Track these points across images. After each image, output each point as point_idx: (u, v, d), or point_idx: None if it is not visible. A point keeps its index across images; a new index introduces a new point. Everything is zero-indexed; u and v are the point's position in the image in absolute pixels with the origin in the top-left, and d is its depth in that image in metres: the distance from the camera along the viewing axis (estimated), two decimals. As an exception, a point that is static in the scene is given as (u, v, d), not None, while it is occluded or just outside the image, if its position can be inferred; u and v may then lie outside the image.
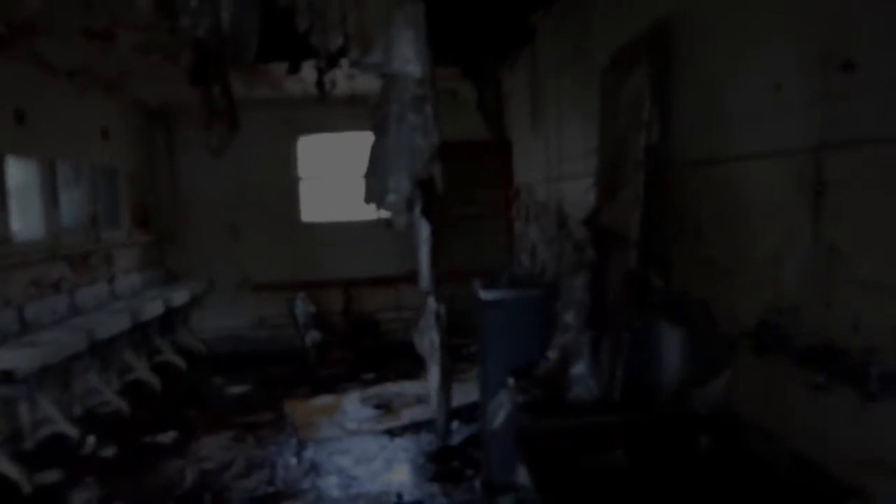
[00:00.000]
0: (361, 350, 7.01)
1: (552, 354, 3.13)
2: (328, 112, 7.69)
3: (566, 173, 4.44)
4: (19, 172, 5.21)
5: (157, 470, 4.51)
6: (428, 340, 3.43)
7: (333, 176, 8.02)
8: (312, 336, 6.55)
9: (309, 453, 4.69)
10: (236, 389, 6.32)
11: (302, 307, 6.65)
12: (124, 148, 7.05)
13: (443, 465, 4.46)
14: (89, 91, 6.22)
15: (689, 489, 1.80)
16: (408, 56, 2.97)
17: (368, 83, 6.57)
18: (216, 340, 7.78)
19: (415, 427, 5.08)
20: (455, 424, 5.02)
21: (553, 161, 4.80)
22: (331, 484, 4.22)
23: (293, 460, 4.57)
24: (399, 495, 4.07)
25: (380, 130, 3.06)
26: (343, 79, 6.17)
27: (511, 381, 3.01)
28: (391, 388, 6.03)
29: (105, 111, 6.62)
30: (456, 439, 4.74)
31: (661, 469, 1.90)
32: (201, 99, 3.65)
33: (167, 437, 5.10)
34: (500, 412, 2.91)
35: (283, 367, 6.90)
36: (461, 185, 7.79)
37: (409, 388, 6.02)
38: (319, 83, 4.70)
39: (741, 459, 1.89)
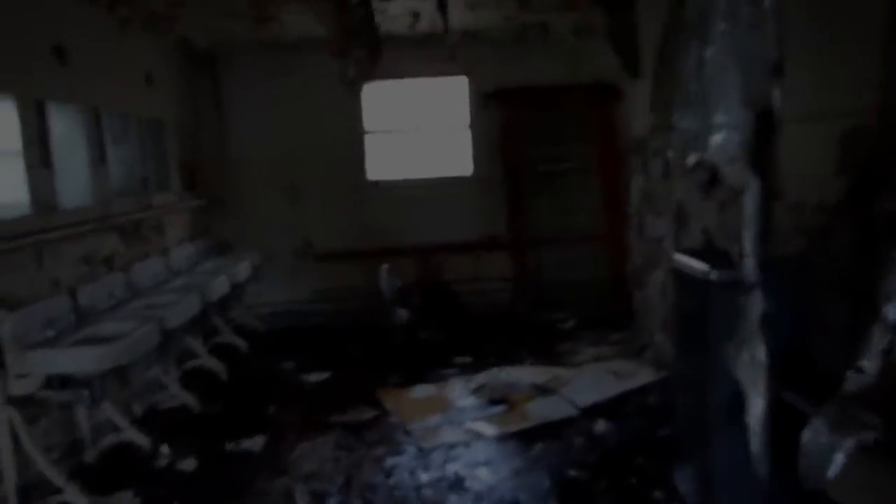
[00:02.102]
0: (449, 328, 6.12)
1: (869, 364, 2.22)
2: (398, 55, 6.67)
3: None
4: (60, 124, 4.24)
5: (254, 490, 3.65)
6: (748, 357, 2.49)
7: (404, 129, 7.01)
8: (400, 314, 5.65)
9: (437, 464, 3.83)
10: (314, 377, 5.44)
11: (388, 280, 5.73)
12: (170, 97, 6.06)
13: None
14: (130, 27, 5.20)
15: None
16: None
17: (464, 16, 5.55)
18: (273, 316, 6.90)
19: (551, 429, 4.20)
20: (602, 424, 4.15)
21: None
22: (482, 511, 3.38)
23: (423, 476, 3.71)
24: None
25: (691, 36, 2.06)
26: (429, 12, 5.14)
27: (833, 407, 2.10)
28: (499, 376, 5.15)
29: (148, 52, 5.61)
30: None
31: None
32: (333, 17, 2.66)
33: (254, 442, 4.24)
34: (833, 457, 2.01)
35: (360, 348, 6.03)
36: (549, 137, 6.81)
37: (518, 375, 5.15)
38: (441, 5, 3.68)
39: None
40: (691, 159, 2.25)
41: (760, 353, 2.37)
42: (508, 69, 6.72)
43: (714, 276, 2.76)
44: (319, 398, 4.99)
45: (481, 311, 6.90)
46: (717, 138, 2.16)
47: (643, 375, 4.84)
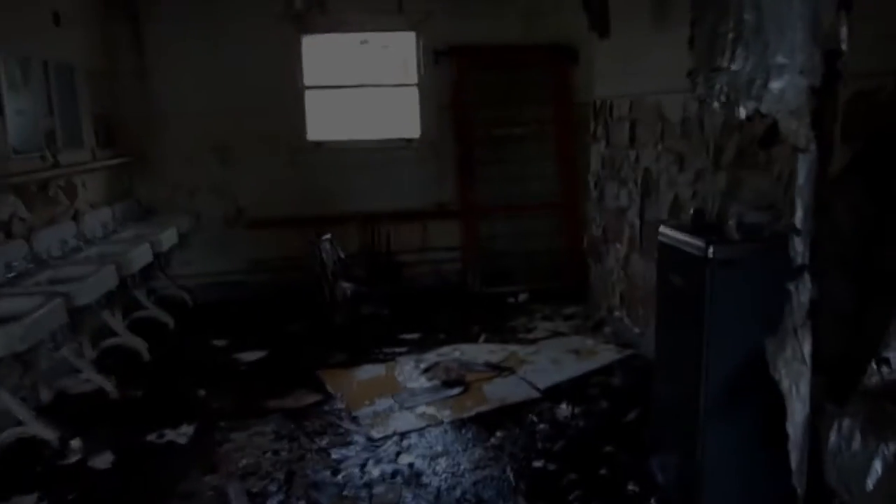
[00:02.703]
0: (396, 302, 5.72)
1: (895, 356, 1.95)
2: (343, 5, 6.14)
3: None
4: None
5: (180, 490, 3.20)
6: (790, 350, 2.14)
7: (347, 86, 6.48)
8: (343, 288, 5.21)
9: (389, 457, 3.46)
10: (249, 356, 4.96)
11: (329, 251, 5.26)
12: (82, 40, 5.35)
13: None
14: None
15: None
16: None
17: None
18: (202, 288, 6.34)
19: (512, 413, 3.89)
20: (565, 408, 3.87)
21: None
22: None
23: (374, 470, 3.33)
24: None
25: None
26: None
27: (860, 406, 1.82)
28: (452, 355, 4.80)
29: (54, -12, 4.89)
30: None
31: None
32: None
33: (180, 433, 3.77)
34: (871, 465, 1.73)
35: (299, 324, 5.57)
36: (503, 100, 6.43)
37: (472, 353, 4.82)
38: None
39: None
40: (744, 109, 1.89)
41: (807, 348, 2.07)
42: (461, 26, 6.26)
43: (712, 252, 2.44)
44: (255, 380, 4.53)
45: (430, 283, 6.53)
46: (776, 84, 1.82)
47: (605, 354, 4.58)
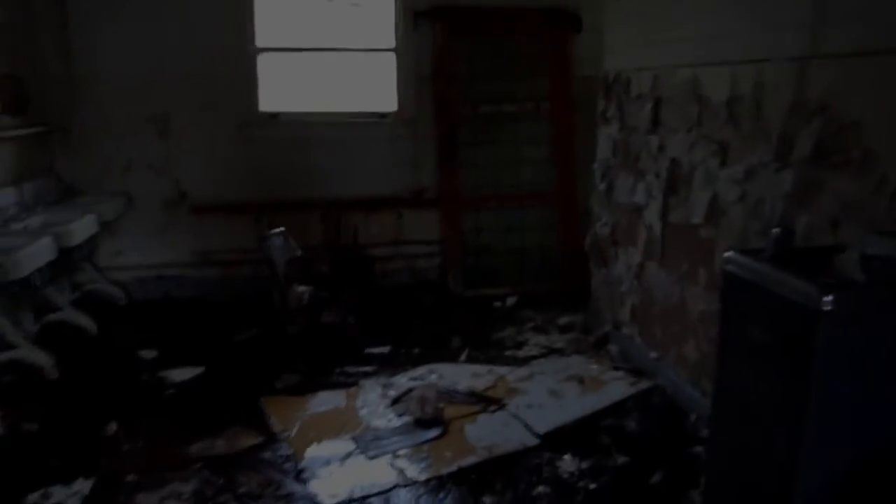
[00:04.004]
0: (364, 306, 4.84)
1: None
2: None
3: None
4: None
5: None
6: None
7: (309, 49, 5.53)
8: (298, 293, 4.31)
9: (341, 537, 2.61)
10: (180, 374, 4.07)
11: (281, 247, 4.35)
12: (-24, -19, 4.34)
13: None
14: None
15: None
16: None
17: None
18: (139, 283, 5.42)
19: (504, 468, 3.06)
20: (570, 462, 3.05)
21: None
22: None
23: (320, 563, 2.49)
24: None
25: None
26: None
27: None
28: (427, 378, 3.95)
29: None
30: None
31: None
32: None
33: (73, 492, 2.88)
34: None
35: (247, 332, 4.67)
36: (493, 72, 5.54)
37: (451, 375, 3.98)
38: None
39: None
40: None
41: None
42: (446, -19, 5.34)
43: (831, 304, 1.61)
44: (182, 410, 3.64)
45: (404, 281, 5.67)
46: None
47: (615, 386, 3.75)
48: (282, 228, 4.37)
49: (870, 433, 1.67)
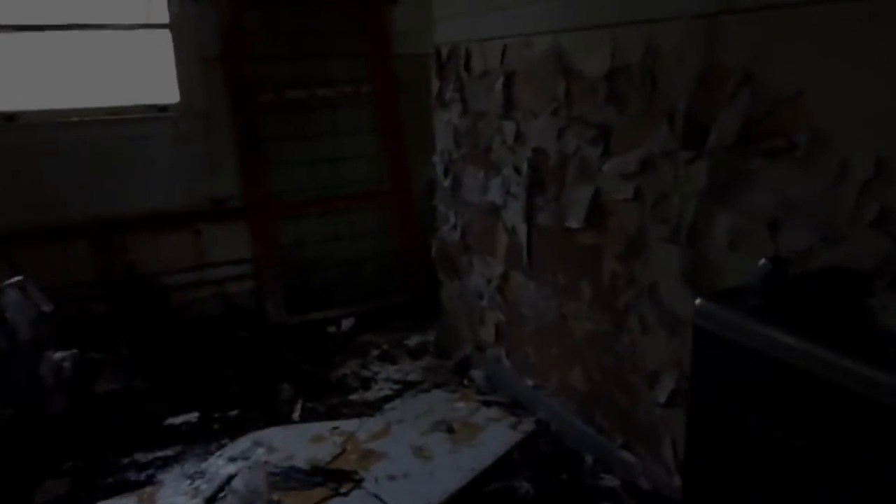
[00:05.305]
0: (154, 359, 3.71)
1: None
2: None
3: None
4: None
5: None
6: None
7: (54, 26, 4.19)
8: (54, 363, 3.09)
9: None
10: None
11: (19, 302, 3.08)
12: None
13: None
14: None
15: None
16: None
17: None
18: None
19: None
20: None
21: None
22: None
23: None
24: None
25: None
26: None
27: None
28: (253, 456, 3.00)
29: None
30: None
31: None
32: None
33: None
34: None
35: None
36: (298, 51, 4.62)
37: (285, 445, 3.07)
38: None
39: None
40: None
41: None
42: (228, -62, 4.27)
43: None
44: None
45: (213, 314, 4.58)
46: None
47: (494, 432, 3.05)
48: (18, 278, 3.11)
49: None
